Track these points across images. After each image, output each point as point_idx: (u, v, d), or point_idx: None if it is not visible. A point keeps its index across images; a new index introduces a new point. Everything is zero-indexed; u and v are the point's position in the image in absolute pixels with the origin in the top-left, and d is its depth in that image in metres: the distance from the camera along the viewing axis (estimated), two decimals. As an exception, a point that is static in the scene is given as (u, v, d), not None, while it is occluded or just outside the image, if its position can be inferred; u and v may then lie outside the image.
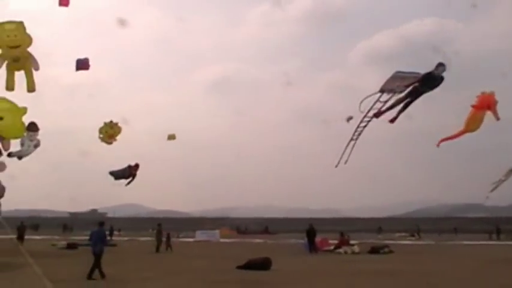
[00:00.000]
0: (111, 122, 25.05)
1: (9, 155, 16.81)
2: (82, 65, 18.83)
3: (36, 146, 17.44)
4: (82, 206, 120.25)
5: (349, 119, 18.31)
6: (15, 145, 19.82)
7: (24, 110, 15.81)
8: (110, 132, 24.74)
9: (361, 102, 17.30)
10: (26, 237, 38.41)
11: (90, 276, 17.42)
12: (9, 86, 16.07)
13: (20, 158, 16.67)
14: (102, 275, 17.55)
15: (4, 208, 25.94)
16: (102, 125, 25.08)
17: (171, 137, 27.86)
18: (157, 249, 32.98)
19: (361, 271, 21.25)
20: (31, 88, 16.20)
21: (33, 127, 17.58)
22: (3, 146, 15.22)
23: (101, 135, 24.73)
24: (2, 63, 15.93)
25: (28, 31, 16.37)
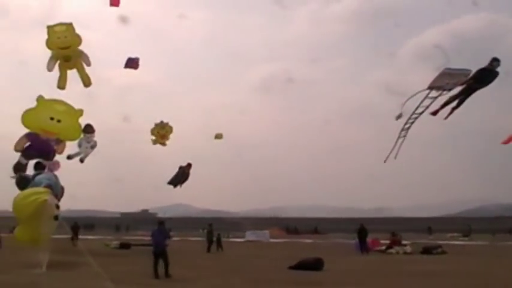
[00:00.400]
0: (161, 122, 25.37)
1: (69, 157, 17.15)
2: (132, 63, 19.12)
3: (93, 147, 17.83)
4: (133, 207, 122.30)
5: (399, 117, 18.09)
6: (70, 147, 20.32)
7: (80, 112, 16.14)
8: (161, 132, 25.07)
9: (407, 100, 17.10)
10: (80, 236, 39.15)
11: (157, 275, 17.80)
12: (61, 85, 16.44)
13: (81, 160, 17.02)
14: (157, 275, 17.88)
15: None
16: (153, 126, 25.43)
17: (218, 136, 28.04)
18: (209, 249, 33.21)
19: (415, 272, 20.94)
20: (87, 83, 16.55)
21: (89, 129, 17.97)
22: (58, 149, 15.56)
23: (153, 137, 25.08)
24: (54, 65, 16.28)
25: (79, 34, 16.77)
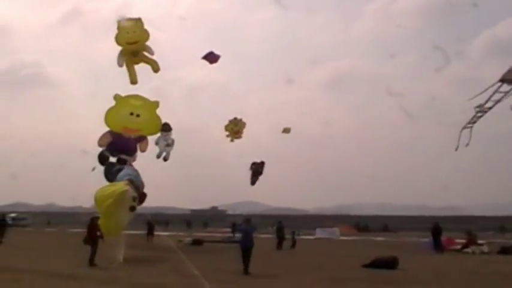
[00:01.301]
0: (235, 118, 25.67)
1: (158, 156, 17.52)
2: (211, 57, 19.35)
3: (170, 145, 18.19)
4: (203, 204, 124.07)
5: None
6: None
7: (156, 104, 16.42)
8: (235, 129, 25.39)
9: (479, 94, 16.71)
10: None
11: (246, 271, 18.13)
12: (133, 80, 16.87)
13: (165, 159, 17.41)
14: (246, 271, 18.18)
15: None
16: (227, 123, 25.76)
17: (286, 131, 28.04)
18: (279, 247, 33.21)
19: (494, 273, 20.45)
20: (156, 68, 16.88)
21: (166, 127, 18.34)
22: (141, 147, 15.96)
23: (227, 133, 25.41)
24: (123, 60, 16.67)
25: (147, 30, 17.13)
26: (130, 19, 16.50)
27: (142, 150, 16.16)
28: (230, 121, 25.83)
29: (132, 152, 16.07)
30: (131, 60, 16.95)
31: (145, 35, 16.73)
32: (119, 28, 16.33)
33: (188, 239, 39.07)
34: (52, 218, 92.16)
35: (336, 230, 56.63)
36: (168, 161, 18.88)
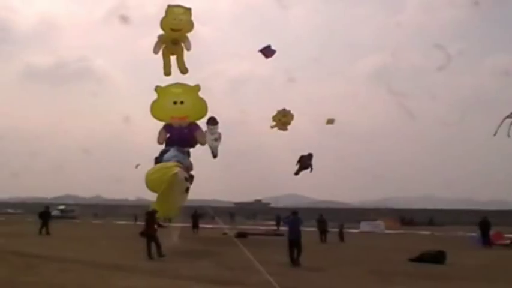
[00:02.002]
0: (283, 109, 25.65)
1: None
2: (268, 51, 19.44)
3: (217, 139, 18.32)
4: (247, 197, 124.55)
5: None
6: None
7: (197, 87, 16.45)
8: (283, 120, 25.37)
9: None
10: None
11: (294, 263, 18.52)
12: (167, 71, 17.01)
13: (214, 156, 17.54)
14: (295, 262, 18.40)
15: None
16: (274, 113, 25.77)
17: (330, 121, 27.82)
18: (321, 239, 33.04)
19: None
20: (184, 70, 17.00)
21: (212, 121, 18.48)
22: (200, 140, 16.06)
23: (274, 123, 25.42)
24: (160, 48, 16.78)
25: (194, 29, 17.24)
26: (180, 6, 16.59)
27: (202, 143, 16.22)
28: (279, 111, 25.79)
29: (189, 143, 16.17)
30: (169, 49, 17.04)
31: (190, 26, 16.84)
32: (167, 12, 16.45)
33: (232, 232, 39.29)
34: (99, 210, 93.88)
35: (381, 223, 56.16)
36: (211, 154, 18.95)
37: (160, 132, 15.93)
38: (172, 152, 15.48)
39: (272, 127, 26.10)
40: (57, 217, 71.45)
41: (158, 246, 19.89)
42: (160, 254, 19.66)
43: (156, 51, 16.85)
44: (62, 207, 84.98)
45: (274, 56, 19.99)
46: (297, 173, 27.84)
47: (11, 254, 21.12)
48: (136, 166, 30.67)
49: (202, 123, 19.87)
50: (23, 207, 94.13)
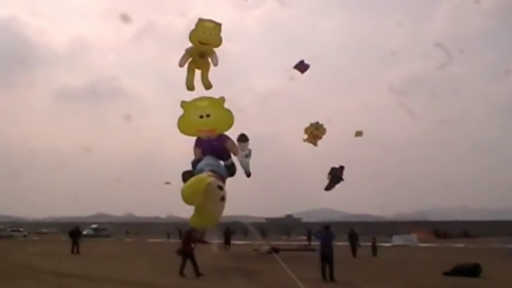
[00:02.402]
0: (317, 123, 25.50)
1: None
2: (301, 66, 19.55)
3: (248, 155, 18.30)
4: (278, 212, 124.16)
5: None
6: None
7: (222, 99, 16.51)
8: (315, 133, 25.18)
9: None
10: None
11: (327, 278, 18.24)
12: (191, 86, 17.04)
13: (248, 175, 17.49)
14: (328, 278, 18.24)
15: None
16: (307, 125, 25.61)
17: (358, 134, 27.55)
18: (352, 253, 32.67)
19: None
20: (208, 85, 17.08)
21: (243, 138, 18.49)
22: (233, 150, 16.06)
23: (306, 136, 25.25)
24: (186, 61, 16.84)
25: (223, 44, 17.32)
26: (211, 21, 16.72)
27: (235, 154, 16.23)
28: (312, 124, 25.64)
29: (221, 156, 16.16)
30: (195, 63, 17.10)
31: (219, 40, 16.88)
32: (197, 26, 16.57)
33: (264, 248, 39.12)
34: (131, 228, 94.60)
35: (414, 236, 55.42)
36: (242, 170, 18.95)
37: (195, 151, 15.98)
38: (205, 160, 15.41)
39: (305, 140, 26.00)
40: (90, 236, 72.47)
41: (195, 265, 19.91)
42: (197, 273, 19.65)
43: (181, 64, 16.92)
44: (94, 226, 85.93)
45: (293, 68, 20.11)
46: (328, 189, 27.53)
47: (45, 274, 21.40)
48: (166, 183, 30.87)
49: (230, 133, 20.00)
50: (57, 226, 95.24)
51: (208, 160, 15.38)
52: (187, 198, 13.67)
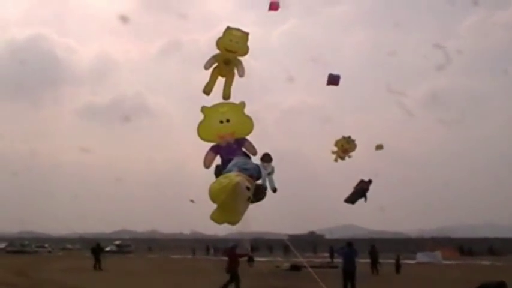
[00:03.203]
0: (349, 137, 25.46)
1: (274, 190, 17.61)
2: (334, 80, 19.62)
3: (270, 173, 18.44)
4: (300, 228, 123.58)
5: None
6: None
7: (242, 104, 16.56)
8: (345, 146, 25.11)
9: None
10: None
11: None
12: (208, 90, 17.10)
13: (274, 190, 17.55)
14: None
15: (228, 231, 27.43)
16: (339, 137, 25.58)
17: (379, 147, 27.39)
18: (372, 271, 32.32)
19: None
20: (227, 96, 17.14)
21: (267, 158, 18.62)
22: (250, 151, 16.05)
23: (335, 149, 25.19)
24: (212, 65, 16.95)
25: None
26: (239, 30, 16.83)
27: (253, 154, 16.28)
28: (344, 137, 25.60)
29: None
30: (220, 69, 17.20)
31: (246, 49, 16.93)
32: (225, 33, 16.68)
33: (286, 265, 38.98)
34: (154, 244, 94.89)
35: (438, 253, 54.78)
36: (265, 186, 19.08)
37: (206, 155, 15.91)
38: (235, 160, 15.39)
39: (333, 152, 25.94)
40: (113, 252, 72.90)
41: (238, 283, 19.91)
42: None
43: (206, 67, 16.99)
44: (118, 242, 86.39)
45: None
46: (348, 200, 27.19)
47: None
48: (191, 201, 31.04)
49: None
50: (81, 242, 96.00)
51: (237, 160, 15.36)
52: (214, 196, 13.76)
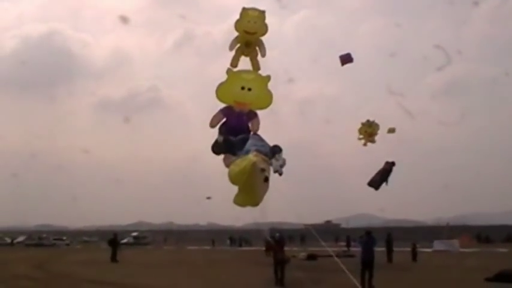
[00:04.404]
0: (368, 121, 25.37)
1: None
2: (346, 59, 19.50)
3: (282, 165, 18.43)
4: (316, 218, 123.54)
5: None
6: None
7: (268, 78, 16.49)
8: (369, 131, 25.05)
9: None
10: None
11: (365, 284, 18.24)
12: (234, 64, 17.11)
13: (280, 173, 17.57)
14: (370, 284, 18.29)
15: (246, 221, 27.41)
16: (359, 126, 25.50)
17: (391, 130, 27.21)
18: (388, 259, 32.14)
19: None
20: (257, 69, 17.12)
21: (277, 149, 18.62)
22: (253, 127, 16.02)
23: (361, 136, 25.13)
24: (235, 46, 16.94)
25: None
26: (255, 9, 16.77)
27: (255, 130, 16.26)
28: (363, 124, 25.53)
29: (244, 131, 16.14)
30: (243, 50, 17.22)
31: (264, 29, 16.91)
32: (241, 15, 16.64)
33: (302, 254, 39.02)
34: (171, 236, 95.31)
35: (455, 241, 54.47)
36: (282, 177, 19.08)
37: (216, 115, 15.88)
38: (251, 140, 15.34)
39: (360, 139, 25.87)
40: (130, 244, 73.46)
41: (283, 274, 20.01)
42: (282, 283, 19.75)
43: (231, 49, 17.06)
44: (135, 234, 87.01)
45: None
46: (374, 185, 26.93)
47: (86, 282, 21.79)
48: (208, 198, 31.25)
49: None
50: (98, 234, 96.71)
51: (254, 140, 15.28)
52: (234, 179, 13.79)
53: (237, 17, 16.09)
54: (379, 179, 26.52)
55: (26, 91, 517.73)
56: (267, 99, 16.86)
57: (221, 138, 16.22)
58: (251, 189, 13.62)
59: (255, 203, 14.37)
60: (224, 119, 16.32)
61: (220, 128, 16.28)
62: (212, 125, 16.42)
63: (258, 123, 17.23)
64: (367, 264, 18.57)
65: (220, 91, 16.38)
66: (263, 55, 17.33)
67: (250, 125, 16.34)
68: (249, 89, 16.25)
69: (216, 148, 16.54)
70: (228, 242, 76.67)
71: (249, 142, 14.98)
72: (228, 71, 16.36)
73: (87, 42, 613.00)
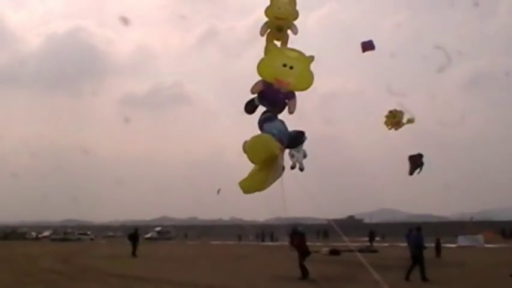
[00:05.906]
0: (390, 112, 25.36)
1: (293, 167, 17.75)
2: (368, 46, 19.40)
3: (304, 156, 18.44)
4: (339, 213, 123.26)
5: None
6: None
7: (311, 58, 16.39)
8: (394, 121, 25.06)
9: None
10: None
11: (409, 277, 18.74)
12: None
13: (301, 169, 17.60)
14: (424, 277, 18.58)
15: (267, 216, 27.45)
16: (384, 119, 25.51)
17: (410, 121, 27.07)
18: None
19: None
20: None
21: (301, 138, 18.67)
22: (289, 108, 15.92)
23: (389, 127, 25.12)
24: (266, 31, 16.98)
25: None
26: None
27: (291, 112, 16.20)
28: (387, 116, 25.54)
29: (279, 107, 16.11)
30: (273, 34, 17.23)
31: (295, 14, 16.87)
32: (272, 1, 16.67)
33: (325, 249, 38.95)
34: (194, 231, 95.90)
35: (480, 237, 53.92)
36: (304, 172, 19.12)
37: (257, 83, 15.80)
38: (275, 123, 15.10)
39: (390, 129, 25.91)
40: (154, 238, 74.20)
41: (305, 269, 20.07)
42: (304, 276, 19.82)
43: (262, 34, 17.07)
44: (158, 228, 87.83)
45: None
46: (411, 173, 27.02)
47: (109, 276, 22.07)
48: (218, 191, 31.27)
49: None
50: (123, 229, 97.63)
51: (278, 124, 15.11)
52: (251, 156, 13.73)
53: (262, 11, 16.15)
54: (413, 168, 26.59)
55: (54, 87, 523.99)
56: (308, 81, 16.71)
57: (257, 102, 16.23)
58: (268, 169, 13.55)
59: (262, 189, 14.34)
60: (263, 89, 16.35)
61: (258, 94, 16.30)
62: (253, 92, 16.42)
63: (295, 105, 17.20)
64: (416, 258, 18.93)
65: (262, 66, 16.28)
66: (295, 33, 17.33)
67: (289, 104, 16.31)
68: (291, 67, 16.20)
69: (250, 107, 16.57)
70: (250, 237, 76.65)
71: (274, 124, 14.86)
72: (271, 46, 16.38)
73: (111, 39, 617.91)
